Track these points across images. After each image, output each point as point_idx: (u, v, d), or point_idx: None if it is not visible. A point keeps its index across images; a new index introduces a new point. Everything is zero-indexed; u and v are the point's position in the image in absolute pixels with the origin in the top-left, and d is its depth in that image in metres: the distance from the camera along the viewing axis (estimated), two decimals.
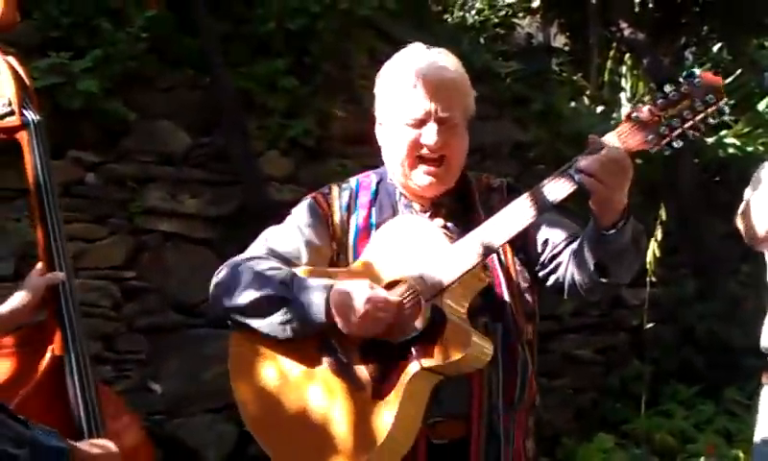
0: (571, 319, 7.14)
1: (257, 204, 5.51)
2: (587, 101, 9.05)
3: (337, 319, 2.53)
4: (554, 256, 2.73)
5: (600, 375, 7.35)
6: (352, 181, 2.88)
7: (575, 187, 2.46)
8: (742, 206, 3.25)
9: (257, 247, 2.79)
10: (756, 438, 3.40)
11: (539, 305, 2.80)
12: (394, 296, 2.55)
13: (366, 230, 2.75)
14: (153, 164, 5.37)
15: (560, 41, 10.67)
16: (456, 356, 2.49)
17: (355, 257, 2.72)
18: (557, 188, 2.48)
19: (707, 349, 7.64)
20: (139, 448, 3.03)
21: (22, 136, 2.96)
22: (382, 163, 2.87)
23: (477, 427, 2.63)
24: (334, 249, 2.76)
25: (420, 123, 2.67)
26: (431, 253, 2.59)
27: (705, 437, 6.66)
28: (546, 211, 2.54)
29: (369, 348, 2.58)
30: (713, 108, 2.44)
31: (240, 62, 5.83)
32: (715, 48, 10.99)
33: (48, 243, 2.90)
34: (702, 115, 2.45)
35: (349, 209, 2.79)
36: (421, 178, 2.71)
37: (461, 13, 8.93)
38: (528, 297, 2.75)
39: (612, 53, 9.57)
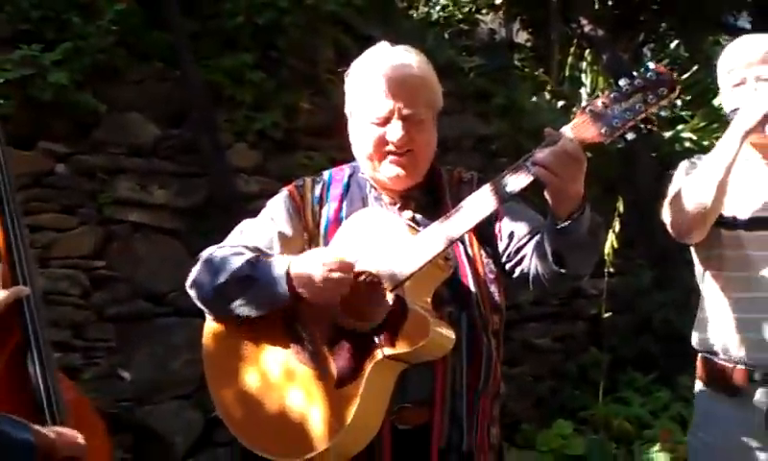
0: (531, 308, 7.19)
1: (225, 195, 5.52)
2: (548, 96, 9.12)
3: (299, 288, 2.57)
4: (519, 249, 2.76)
5: (559, 362, 7.41)
6: (326, 174, 2.92)
7: (531, 179, 2.50)
8: (667, 200, 3.28)
9: (233, 238, 2.84)
10: (690, 434, 3.43)
11: (505, 297, 2.82)
12: (347, 258, 2.59)
13: (336, 223, 2.78)
14: (122, 156, 5.37)
15: (522, 38, 10.75)
16: (417, 344, 2.52)
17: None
18: (514, 180, 2.51)
19: (662, 337, 7.72)
20: (96, 435, 2.98)
21: None
22: (349, 155, 2.91)
23: (440, 413, 2.66)
24: (305, 239, 2.79)
25: (385, 121, 2.72)
26: (394, 244, 2.62)
27: (660, 423, 6.74)
28: (504, 202, 2.56)
29: (335, 337, 2.62)
30: (665, 100, 2.48)
31: (208, 56, 5.84)
32: (673, 45, 11.12)
33: (7, 237, 2.75)
34: (654, 107, 2.48)
35: (321, 202, 2.83)
36: (390, 171, 2.75)
37: (425, 9, 8.98)
38: (494, 288, 2.77)
39: (572, 49, 9.65)
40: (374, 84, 2.74)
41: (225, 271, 2.68)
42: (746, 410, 3.18)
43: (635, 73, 2.52)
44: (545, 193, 2.51)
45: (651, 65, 2.53)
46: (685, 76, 9.67)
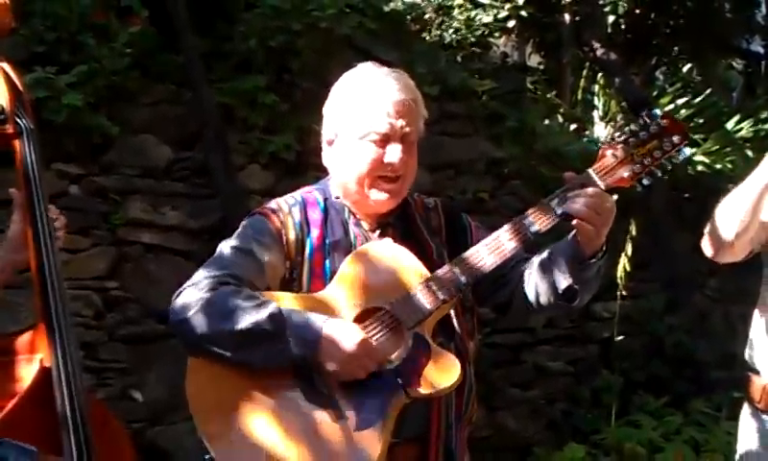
0: (543, 331, 7.17)
1: (237, 216, 5.50)
2: (560, 118, 9.12)
3: (325, 359, 2.50)
4: (501, 277, 2.78)
5: (571, 385, 7.37)
6: (297, 195, 2.83)
7: (557, 221, 2.59)
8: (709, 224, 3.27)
9: (217, 265, 2.69)
10: (737, 455, 3.40)
11: (479, 326, 2.85)
12: (382, 347, 2.55)
13: (320, 250, 2.71)
14: (135, 177, 5.39)
15: (534, 61, 10.75)
16: (445, 384, 2.53)
17: (310, 278, 2.68)
18: (540, 222, 2.59)
19: (675, 361, 7.69)
20: (125, 457, 2.99)
21: (15, 145, 2.90)
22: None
23: (435, 448, 2.67)
24: (287, 267, 2.71)
25: (385, 139, 2.67)
26: (409, 279, 2.61)
27: (673, 447, 6.69)
28: (528, 243, 2.63)
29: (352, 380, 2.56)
30: (678, 147, 2.64)
31: (222, 79, 5.86)
32: (685, 68, 11.10)
33: (39, 250, 2.83)
34: (669, 154, 2.63)
35: (303, 226, 2.73)
36: (379, 195, 2.71)
37: (438, 32, 8.97)
38: (470, 316, 2.80)
39: (585, 72, 9.65)
40: (374, 100, 2.68)
41: (240, 318, 2.53)
42: None
43: (647, 119, 2.65)
44: (575, 236, 2.60)
45: (658, 111, 2.68)
46: (698, 99, 9.67)
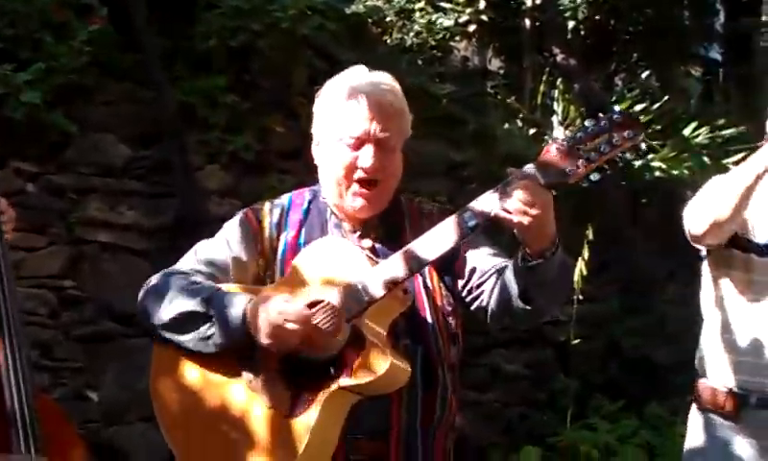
0: (500, 334, 7.17)
1: (194, 216, 5.51)
2: (520, 123, 9.15)
3: (253, 332, 2.55)
4: (480, 284, 2.75)
5: (528, 388, 7.41)
6: (285, 198, 2.87)
7: (492, 215, 2.52)
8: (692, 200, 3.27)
9: (187, 261, 2.79)
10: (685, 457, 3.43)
11: (463, 329, 2.83)
12: (305, 309, 2.56)
13: (293, 250, 2.74)
14: (93, 176, 5.37)
15: (495, 65, 10.80)
16: (372, 377, 2.52)
17: (282, 276, 2.72)
18: (477, 215, 2.54)
19: (631, 364, 7.74)
20: (76, 456, 2.98)
21: None
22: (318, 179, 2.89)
23: (395, 446, 2.65)
24: (261, 265, 2.75)
25: (359, 143, 2.67)
26: (353, 273, 2.60)
27: (628, 450, 6.75)
28: (466, 237, 2.57)
29: (289, 366, 2.59)
30: (630, 142, 2.55)
31: (182, 78, 5.85)
32: (644, 75, 11.18)
33: None
34: (619, 149, 2.54)
35: (279, 227, 2.78)
36: (354, 201, 2.71)
37: (399, 36, 9.01)
38: (452, 321, 2.76)
39: (545, 77, 9.68)
40: (351, 103, 2.70)
41: (178, 303, 2.66)
42: (741, 435, 3.19)
43: (600, 115, 2.58)
44: (515, 232, 2.53)
45: (617, 108, 2.61)
46: (656, 106, 9.74)
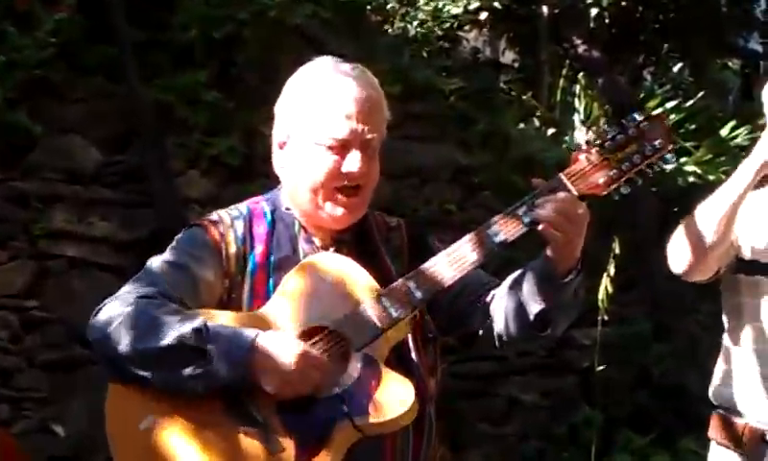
0: (516, 360, 7.20)
1: (173, 228, 5.49)
2: (536, 122, 9.18)
3: (260, 377, 2.49)
4: (469, 305, 2.77)
5: (547, 421, 7.42)
6: (242, 207, 2.78)
7: (524, 231, 2.56)
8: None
9: (144, 284, 2.64)
10: None
11: (441, 358, 2.84)
12: (323, 354, 2.53)
13: (264, 269, 2.69)
14: (60, 182, 5.39)
15: (509, 57, 10.82)
16: (397, 412, 2.52)
17: (251, 299, 2.67)
18: (504, 231, 2.57)
19: (662, 393, 7.74)
20: None
21: None
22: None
23: None
24: (226, 286, 2.67)
25: (344, 146, 2.65)
26: (358, 295, 2.59)
27: None
28: (490, 255, 2.59)
29: (289, 406, 2.54)
30: (662, 152, 2.62)
31: (158, 73, 5.87)
32: (676, 68, 11.20)
33: None
34: (651, 159, 2.61)
35: (245, 242, 2.69)
36: (335, 209, 2.68)
37: (402, 24, 9.03)
38: (431, 350, 2.78)
39: (564, 71, 9.72)
40: (330, 100, 2.65)
41: (162, 333, 2.51)
42: None
43: (624, 122, 2.63)
44: (547, 250, 2.56)
45: (637, 116, 2.65)
46: (690, 103, 9.77)
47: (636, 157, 2.59)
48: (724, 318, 3.40)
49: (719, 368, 3.39)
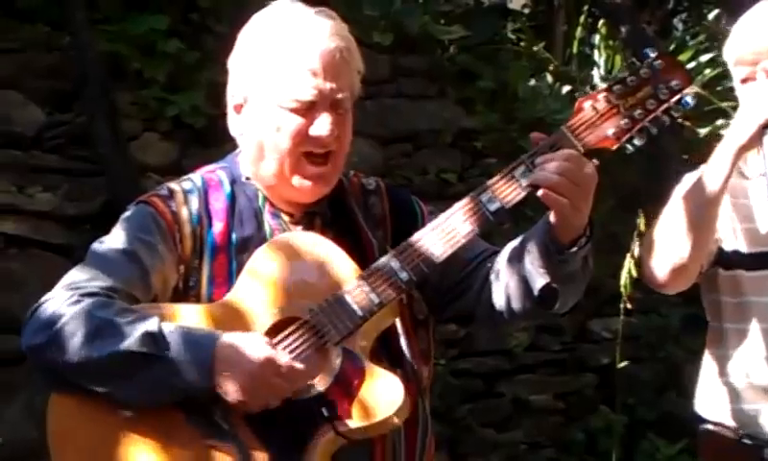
0: (525, 355, 7.22)
1: (128, 200, 5.50)
2: (550, 78, 9.17)
3: (224, 386, 2.49)
4: (463, 278, 2.79)
5: (560, 425, 7.46)
6: (196, 178, 2.79)
7: (522, 195, 2.56)
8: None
9: (86, 276, 2.63)
10: None
11: (435, 343, 2.86)
12: (297, 361, 2.53)
13: (224, 250, 2.69)
14: None
15: (518, 2, 10.81)
16: (385, 413, 2.53)
17: (211, 286, 2.67)
18: (501, 197, 2.57)
19: (694, 395, 7.76)
20: None
21: None
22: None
23: None
24: (181, 273, 2.68)
25: (310, 107, 2.65)
26: (334, 279, 2.60)
27: None
28: (485, 225, 2.59)
29: (261, 415, 2.54)
30: (680, 94, 2.61)
31: (109, 19, 5.86)
32: (711, 15, 11.18)
33: None
34: (667, 104, 2.60)
35: (201, 220, 2.69)
36: (303, 181, 2.68)
37: None
38: (423, 333, 2.80)
39: (582, 19, 9.71)
40: (295, 55, 2.64)
41: (112, 340, 2.49)
42: None
43: (636, 61, 2.63)
44: (549, 216, 2.57)
45: (651, 52, 2.63)
46: None
47: (650, 102, 2.59)
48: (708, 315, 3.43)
49: (702, 374, 3.42)
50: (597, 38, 9.80)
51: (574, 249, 2.56)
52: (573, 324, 7.29)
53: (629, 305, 6.07)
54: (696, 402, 3.44)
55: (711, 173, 3.12)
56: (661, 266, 3.20)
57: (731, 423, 3.29)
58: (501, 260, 2.72)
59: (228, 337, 2.49)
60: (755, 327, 3.26)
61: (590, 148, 2.57)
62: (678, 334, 7.91)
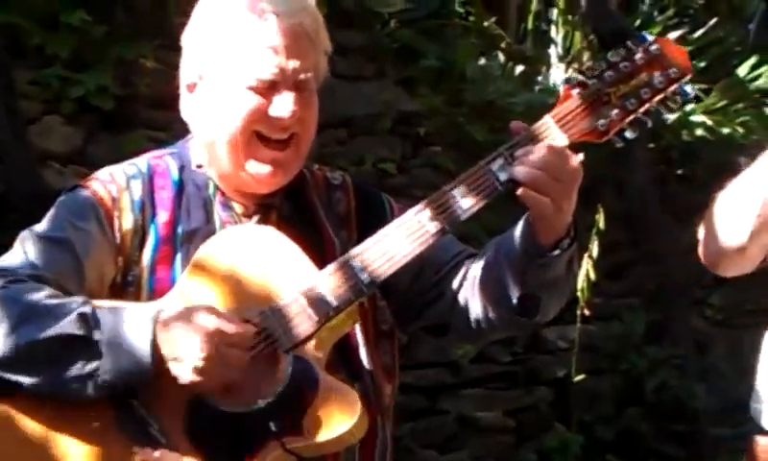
0: (471, 367, 7.24)
1: (28, 192, 5.50)
2: (502, 57, 9.20)
3: (169, 362, 2.50)
4: (435, 284, 2.81)
5: (511, 446, 7.49)
6: (141, 162, 2.81)
7: (499, 192, 2.57)
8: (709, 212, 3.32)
9: (14, 263, 2.65)
10: None
11: (401, 356, 2.87)
12: (248, 326, 2.54)
13: (169, 243, 2.72)
14: None
15: None
16: (337, 430, 2.54)
17: (152, 281, 2.69)
18: (474, 193, 2.58)
19: (659, 411, 7.82)
20: None
21: None
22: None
23: None
24: (119, 266, 2.71)
25: (270, 86, 2.66)
26: (288, 280, 2.61)
27: None
28: (457, 223, 2.60)
29: (198, 420, 2.56)
30: (679, 83, 2.62)
31: None
32: None
33: None
34: (663, 94, 2.62)
35: (145, 208, 2.72)
36: (260, 166, 2.70)
37: None
38: (387, 345, 2.82)
39: None
40: (252, 29, 2.66)
41: (37, 325, 2.51)
42: None
43: (630, 44, 2.63)
44: (528, 217, 2.58)
45: (648, 36, 2.64)
46: (699, 33, 9.81)
47: (644, 92, 2.60)
48: None
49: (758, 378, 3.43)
50: (555, 13, 9.83)
51: (556, 252, 2.58)
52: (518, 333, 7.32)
53: (586, 312, 6.15)
54: (752, 404, 3.38)
55: None
56: (712, 250, 3.18)
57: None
58: (477, 265, 2.75)
59: (170, 311, 2.52)
60: None
61: (576, 140, 2.58)
62: (641, 343, 7.98)
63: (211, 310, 2.52)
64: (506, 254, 2.66)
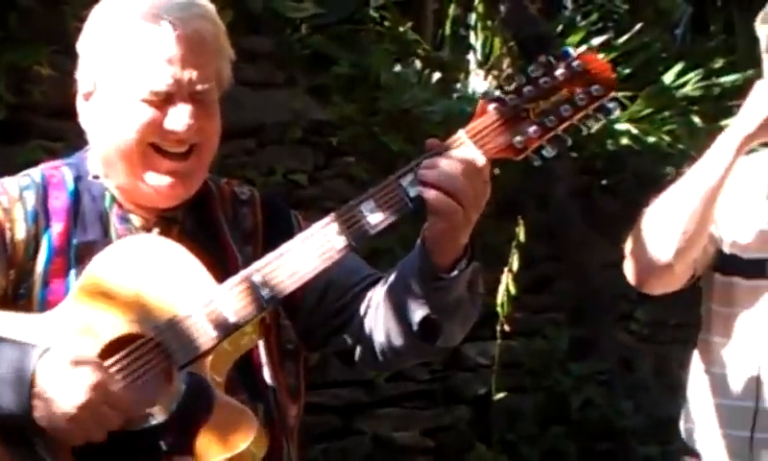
0: (387, 386, 7.24)
1: None
2: (418, 64, 9.23)
3: (40, 415, 2.46)
4: (342, 309, 2.82)
5: None
6: (35, 174, 2.80)
7: (410, 209, 2.58)
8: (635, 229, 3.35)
9: None
10: None
11: (306, 378, 2.90)
12: (134, 386, 2.54)
13: (63, 254, 2.70)
14: None
15: None
16: (232, 450, 2.54)
17: (45, 294, 2.68)
18: (382, 209, 2.59)
19: (584, 430, 7.87)
20: None
21: None
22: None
23: None
24: (11, 278, 2.68)
25: (165, 98, 2.66)
26: (186, 293, 2.61)
27: None
28: (360, 243, 2.61)
29: (90, 448, 2.52)
30: (601, 101, 2.64)
31: None
32: None
33: None
34: (585, 111, 2.64)
35: (38, 219, 2.71)
36: (160, 177, 2.69)
37: None
38: (292, 365, 2.85)
39: None
40: (148, 37, 2.66)
41: None
42: None
43: (552, 58, 2.66)
44: (426, 232, 2.59)
45: (571, 51, 2.68)
46: (623, 39, 9.88)
47: (564, 109, 2.61)
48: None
49: (688, 397, 3.49)
50: (473, 18, 9.87)
51: (455, 272, 2.59)
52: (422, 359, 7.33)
53: (507, 327, 6.18)
54: (681, 423, 3.48)
55: (710, 163, 3.16)
56: (640, 267, 3.26)
57: (712, 453, 3.36)
58: (381, 290, 2.75)
59: (52, 355, 2.48)
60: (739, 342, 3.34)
61: (492, 157, 2.58)
62: (565, 360, 8.03)
63: (94, 362, 2.51)
64: (405, 277, 2.66)
